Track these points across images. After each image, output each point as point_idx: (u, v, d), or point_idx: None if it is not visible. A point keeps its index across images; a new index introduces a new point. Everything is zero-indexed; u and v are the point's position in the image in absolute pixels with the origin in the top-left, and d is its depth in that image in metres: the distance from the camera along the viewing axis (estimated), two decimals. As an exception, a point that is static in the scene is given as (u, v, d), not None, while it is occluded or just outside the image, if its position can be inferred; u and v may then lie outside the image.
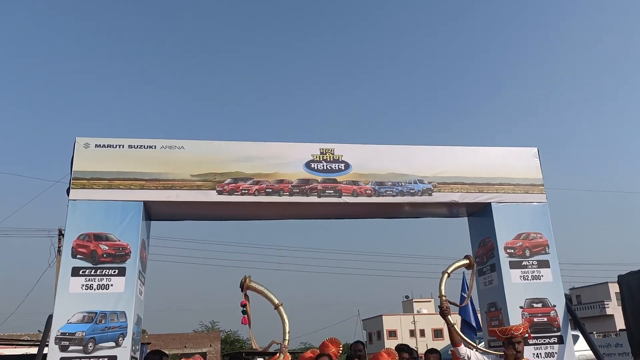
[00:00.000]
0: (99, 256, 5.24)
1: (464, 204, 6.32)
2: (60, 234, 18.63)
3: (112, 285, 5.20)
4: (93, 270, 5.19)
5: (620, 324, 31.52)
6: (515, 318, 5.76)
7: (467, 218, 6.81)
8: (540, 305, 5.88)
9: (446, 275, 5.32)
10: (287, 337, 4.67)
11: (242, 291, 4.70)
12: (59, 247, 18.42)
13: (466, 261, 5.49)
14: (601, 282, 45.49)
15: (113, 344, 5.02)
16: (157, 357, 4.82)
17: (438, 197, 6.16)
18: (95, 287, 5.15)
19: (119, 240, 5.34)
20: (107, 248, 5.28)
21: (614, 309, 40.59)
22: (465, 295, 8.92)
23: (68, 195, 5.39)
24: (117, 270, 5.24)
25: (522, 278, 5.96)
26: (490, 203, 6.21)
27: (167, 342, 37.29)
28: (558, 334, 5.81)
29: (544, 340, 5.78)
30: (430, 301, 68.37)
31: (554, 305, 5.89)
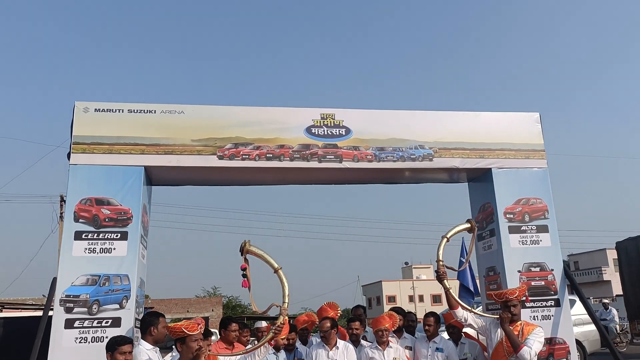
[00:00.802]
0: (101, 220, 5.27)
1: (465, 170, 6.32)
2: (62, 200, 18.73)
3: (114, 249, 5.25)
4: (95, 234, 5.24)
5: (617, 289, 31.97)
6: (513, 282, 5.84)
7: (467, 184, 6.83)
8: (538, 269, 5.96)
9: (445, 240, 5.40)
10: (286, 300, 4.71)
11: (242, 255, 4.74)
12: (61, 213, 18.54)
13: (467, 225, 5.56)
14: (599, 248, 45.95)
15: (117, 306, 5.10)
16: (155, 318, 4.84)
17: (439, 162, 6.16)
18: (98, 250, 5.20)
19: (121, 205, 5.37)
20: (109, 212, 5.31)
21: (611, 275, 41.11)
22: (463, 260, 9.04)
23: (69, 159, 5.40)
24: (119, 235, 5.28)
25: (520, 243, 6.01)
26: (490, 169, 6.21)
27: (170, 307, 37.93)
28: (555, 297, 5.89)
29: (541, 303, 5.87)
30: (429, 267, 69.11)
31: (552, 270, 5.96)
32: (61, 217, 18.03)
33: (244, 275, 4.77)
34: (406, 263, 71.23)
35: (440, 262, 5.33)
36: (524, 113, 6.53)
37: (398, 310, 6.41)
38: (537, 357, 4.71)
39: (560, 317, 5.77)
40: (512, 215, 6.08)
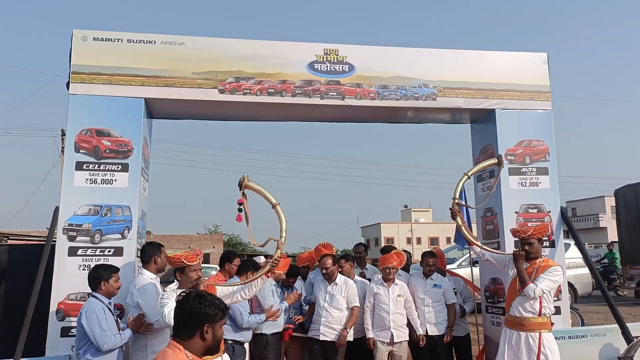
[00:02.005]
0: (102, 152, 5.28)
1: (468, 110, 6.26)
2: (64, 134, 18.69)
3: (115, 180, 5.28)
4: (96, 165, 5.26)
5: (612, 236, 32.44)
6: (510, 223, 5.91)
7: (470, 125, 6.78)
8: (535, 210, 6.01)
9: (465, 177, 5.58)
10: (283, 235, 4.76)
11: (240, 190, 4.76)
12: (62, 147, 18.56)
13: (494, 160, 5.60)
14: (598, 195, 46.27)
15: (119, 236, 5.19)
16: (157, 247, 4.99)
17: (442, 102, 6.09)
18: (99, 181, 5.24)
19: (121, 137, 5.36)
20: (109, 144, 5.31)
21: (608, 221, 41.59)
22: (461, 202, 9.10)
23: (68, 89, 5.34)
24: (120, 166, 5.30)
25: (520, 184, 6.04)
26: (494, 109, 6.15)
27: (172, 243, 38.66)
28: (551, 238, 5.97)
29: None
30: (428, 211, 69.80)
31: (549, 212, 6.01)
32: (62, 150, 18.07)
33: (240, 210, 4.81)
34: (405, 206, 71.99)
35: (455, 200, 5.45)
36: (531, 53, 6.39)
37: (387, 249, 6.59)
38: (550, 294, 4.82)
39: (554, 258, 5.86)
40: (513, 157, 6.07)
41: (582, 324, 9.46)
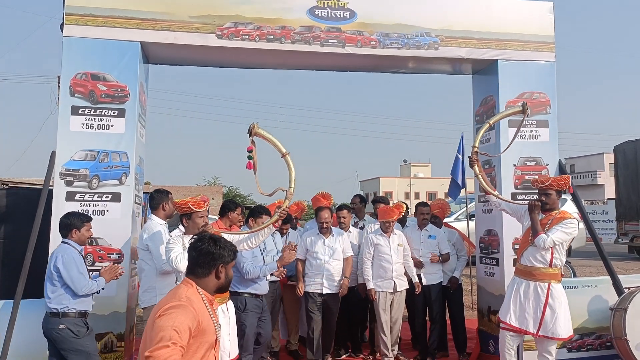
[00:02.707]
0: (98, 96, 5.21)
1: (470, 60, 6.13)
2: (58, 82, 18.43)
3: (112, 125, 5.23)
4: (92, 110, 5.20)
5: (608, 193, 32.63)
6: (508, 175, 5.92)
7: (471, 76, 6.68)
8: (533, 163, 5.99)
9: (487, 125, 5.47)
10: (292, 185, 4.69)
11: (249, 137, 4.67)
12: (58, 95, 18.34)
13: (519, 108, 5.43)
14: (597, 152, 46.27)
15: (116, 182, 5.19)
16: (165, 194, 5.05)
17: (444, 51, 5.96)
18: (95, 126, 5.19)
19: (117, 82, 5.28)
20: (105, 89, 5.24)
21: (606, 179, 41.76)
22: (459, 155, 9.11)
23: (62, 31, 5.21)
24: (116, 112, 5.25)
25: (519, 137, 5.97)
26: (497, 60, 6.03)
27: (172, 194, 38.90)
28: (571, 190, 5.96)
29: (532, 196, 5.96)
30: (427, 166, 69.98)
31: (547, 165, 6.00)
32: (58, 98, 17.88)
33: (250, 157, 4.73)
34: (405, 161, 72.07)
35: (475, 148, 5.37)
36: (536, 2, 6.21)
37: (379, 200, 6.68)
38: (563, 246, 4.76)
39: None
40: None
41: (574, 277, 9.64)
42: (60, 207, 5.01)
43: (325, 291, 5.69)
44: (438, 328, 6.22)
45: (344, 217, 6.30)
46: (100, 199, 5.13)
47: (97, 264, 5.03)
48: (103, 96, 5.22)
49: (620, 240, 17.04)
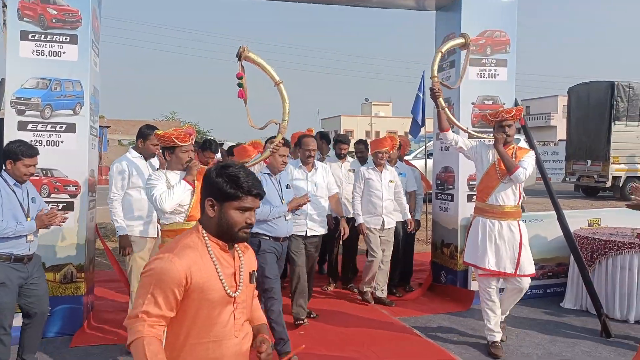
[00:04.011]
0: (48, 21, 4.94)
1: (433, -4, 6.10)
2: (4, 5, 17.27)
3: (64, 52, 5.00)
4: (43, 36, 4.94)
5: (560, 135, 33.70)
6: (466, 113, 6.04)
7: (435, 12, 6.64)
8: (491, 102, 6.12)
9: (440, 54, 5.09)
10: (286, 118, 4.34)
11: (238, 61, 4.22)
12: (4, 20, 17.23)
13: (462, 40, 5.22)
14: (551, 95, 47.35)
15: (70, 111, 5.02)
16: (147, 131, 4.68)
17: (409, -15, 5.88)
18: (46, 53, 4.95)
19: (68, 6, 5.00)
20: (55, 12, 4.96)
21: (558, 121, 42.98)
22: (420, 94, 9.17)
23: (5, -52, 4.85)
24: (68, 38, 5.00)
25: (478, 76, 6.08)
26: (461, -4, 6.01)
27: (127, 128, 37.86)
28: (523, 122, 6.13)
29: (488, 135, 6.12)
30: (388, 105, 70.18)
31: (504, 104, 6.12)
32: (5, 23, 16.81)
33: (240, 85, 4.28)
34: (366, 99, 71.98)
35: (435, 78, 4.99)
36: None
37: (343, 139, 6.70)
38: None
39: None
40: (474, 47, 6.02)
41: (523, 211, 10.07)
42: (13, 137, 4.81)
43: (311, 233, 5.16)
44: (401, 265, 6.42)
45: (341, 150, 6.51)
46: (54, 129, 4.98)
47: (52, 195, 4.95)
48: (54, 21, 4.95)
49: (567, 179, 17.80)
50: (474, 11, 6.03)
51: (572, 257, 5.72)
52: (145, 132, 4.73)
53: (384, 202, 5.71)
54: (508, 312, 4.99)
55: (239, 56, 4.21)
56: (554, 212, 5.92)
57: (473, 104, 6.08)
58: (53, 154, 4.92)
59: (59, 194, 4.97)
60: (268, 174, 4.65)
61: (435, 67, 5.04)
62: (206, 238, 2.00)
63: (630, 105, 15.64)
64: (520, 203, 4.72)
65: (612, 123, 15.65)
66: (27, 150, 3.81)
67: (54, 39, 4.97)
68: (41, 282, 4.02)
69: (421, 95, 8.87)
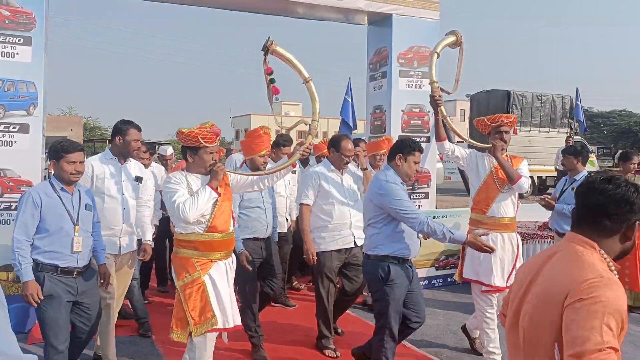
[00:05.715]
0: (1, 22, 4.94)
1: (367, 12, 6.68)
2: None
3: (17, 54, 5.02)
4: (-4, 37, 4.94)
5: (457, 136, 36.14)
6: (396, 120, 6.72)
7: (367, 26, 7.24)
8: (417, 110, 6.85)
9: (436, 55, 4.84)
10: (317, 119, 3.89)
11: (264, 56, 3.79)
12: None
13: (453, 38, 4.91)
14: (450, 99, 50.55)
15: (24, 112, 5.05)
16: (124, 126, 4.13)
17: (346, 2, 6.39)
18: (0, 54, 4.95)
19: (22, 7, 5.03)
20: (9, 14, 4.97)
21: (457, 124, 45.83)
22: (348, 99, 9.77)
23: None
24: (22, 39, 5.02)
25: (407, 86, 6.78)
26: (392, 14, 6.65)
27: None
28: (427, 134, 6.90)
29: (418, 139, 6.82)
30: (298, 104, 71.11)
31: (429, 112, 6.87)
32: None
33: (272, 80, 3.85)
34: (276, 99, 72.14)
35: (435, 84, 4.63)
36: (427, -35, 6.89)
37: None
38: None
39: (429, 151, 6.83)
40: (403, 61, 6.74)
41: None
42: (-37, 137, 4.82)
43: (359, 242, 4.60)
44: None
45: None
46: (7, 129, 4.98)
47: (6, 195, 4.96)
48: (7, 22, 4.96)
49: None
50: (402, 28, 6.70)
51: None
52: (122, 128, 4.11)
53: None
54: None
55: (266, 50, 3.77)
56: (468, 208, 6.73)
57: (402, 111, 6.77)
58: (6, 154, 4.94)
59: (12, 194, 4.98)
60: None
61: (434, 72, 4.79)
62: (608, 260, 1.69)
63: (523, 112, 17.40)
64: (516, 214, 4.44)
65: (508, 128, 17.31)
66: (69, 146, 3.46)
67: (7, 40, 4.98)
68: (94, 303, 3.62)
69: (349, 99, 9.42)
